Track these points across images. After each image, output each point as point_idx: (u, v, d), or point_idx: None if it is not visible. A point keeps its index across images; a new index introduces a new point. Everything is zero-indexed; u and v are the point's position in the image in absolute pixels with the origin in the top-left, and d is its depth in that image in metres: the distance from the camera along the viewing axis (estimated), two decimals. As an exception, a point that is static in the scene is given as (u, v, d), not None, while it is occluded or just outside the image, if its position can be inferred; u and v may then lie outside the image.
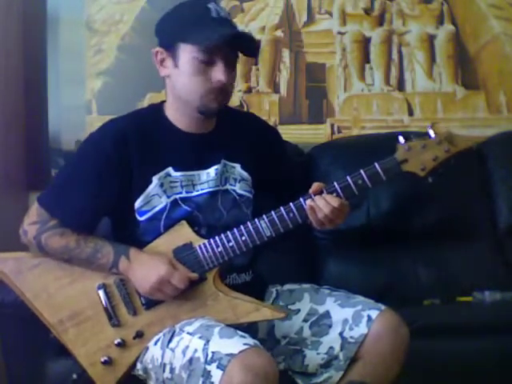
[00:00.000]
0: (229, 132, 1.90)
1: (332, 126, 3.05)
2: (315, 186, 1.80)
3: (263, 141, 1.98)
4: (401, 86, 3.07)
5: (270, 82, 3.04)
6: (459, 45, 3.07)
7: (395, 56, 3.07)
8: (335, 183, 1.79)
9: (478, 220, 2.73)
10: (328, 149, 2.85)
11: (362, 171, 1.78)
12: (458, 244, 2.64)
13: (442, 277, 2.57)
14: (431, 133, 1.78)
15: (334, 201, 1.76)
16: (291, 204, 1.79)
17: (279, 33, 3.05)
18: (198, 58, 1.76)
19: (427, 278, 2.57)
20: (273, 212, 1.80)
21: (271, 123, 3.01)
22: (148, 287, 1.77)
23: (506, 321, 2.31)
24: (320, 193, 1.78)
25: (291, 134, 2.97)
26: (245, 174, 1.92)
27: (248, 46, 1.83)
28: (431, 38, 3.07)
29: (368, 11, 3.05)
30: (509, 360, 2.29)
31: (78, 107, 2.98)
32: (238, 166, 1.91)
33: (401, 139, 1.79)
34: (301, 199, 1.79)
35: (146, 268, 1.78)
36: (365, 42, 3.06)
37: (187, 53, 1.77)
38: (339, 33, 3.06)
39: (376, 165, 1.78)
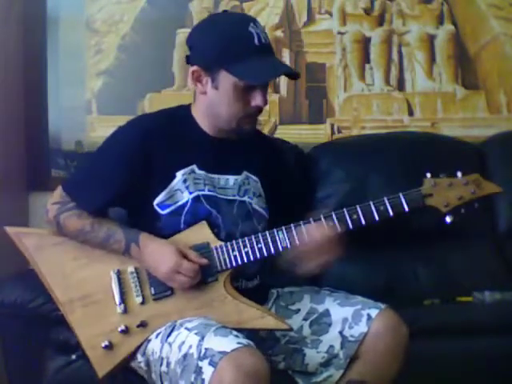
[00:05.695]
0: (252, 144, 1.92)
1: (332, 126, 3.05)
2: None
3: (281, 164, 2.03)
4: (401, 85, 3.07)
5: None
6: (459, 45, 3.07)
7: (395, 56, 3.07)
8: (358, 207, 1.82)
9: (477, 220, 2.73)
10: (328, 149, 2.85)
11: (385, 199, 1.82)
12: (458, 244, 2.64)
13: (442, 277, 2.57)
14: (459, 174, 1.84)
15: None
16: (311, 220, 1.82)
17: (279, 33, 3.05)
18: (239, 85, 1.79)
19: (427, 278, 2.57)
20: (292, 225, 1.82)
21: (271, 123, 3.02)
22: (160, 277, 1.81)
23: (506, 321, 2.31)
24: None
25: (291, 134, 2.97)
26: (262, 190, 1.94)
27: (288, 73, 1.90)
28: (431, 38, 3.07)
29: (368, 11, 3.05)
30: (509, 360, 2.29)
31: (78, 107, 2.99)
32: (259, 182, 1.94)
33: (428, 175, 1.84)
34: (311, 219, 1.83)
35: (156, 258, 1.80)
36: (365, 42, 3.06)
37: (229, 79, 1.79)
38: (339, 33, 3.06)
39: (400, 195, 1.82)
